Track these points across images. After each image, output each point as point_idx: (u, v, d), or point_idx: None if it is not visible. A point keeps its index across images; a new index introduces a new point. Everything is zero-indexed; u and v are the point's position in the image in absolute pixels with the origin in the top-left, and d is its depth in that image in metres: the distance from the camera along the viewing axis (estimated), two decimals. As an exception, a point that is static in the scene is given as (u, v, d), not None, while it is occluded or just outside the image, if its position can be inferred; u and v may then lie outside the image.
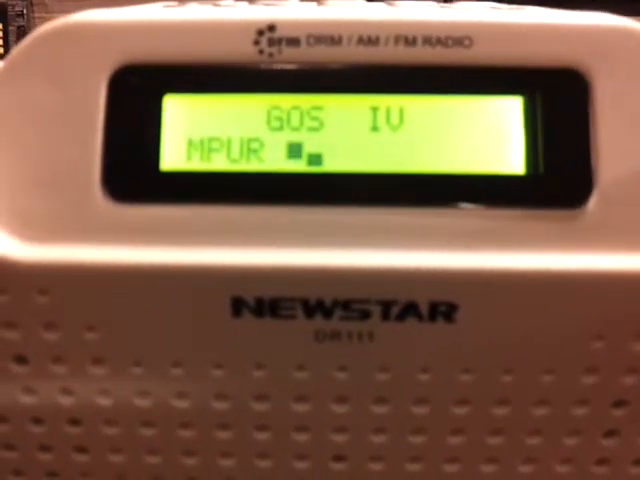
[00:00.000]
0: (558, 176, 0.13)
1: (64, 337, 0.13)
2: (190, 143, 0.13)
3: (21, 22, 0.77)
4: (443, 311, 0.12)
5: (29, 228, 0.13)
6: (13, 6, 0.77)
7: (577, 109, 0.13)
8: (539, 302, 0.13)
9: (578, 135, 0.13)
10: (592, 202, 0.13)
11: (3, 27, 0.75)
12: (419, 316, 0.13)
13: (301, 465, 0.14)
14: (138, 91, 0.13)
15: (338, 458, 0.14)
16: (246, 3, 0.18)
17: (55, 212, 0.13)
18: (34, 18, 0.82)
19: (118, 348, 0.13)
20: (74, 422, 0.14)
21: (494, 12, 0.14)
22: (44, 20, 0.92)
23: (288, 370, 0.13)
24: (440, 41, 0.13)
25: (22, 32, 0.76)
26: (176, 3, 0.17)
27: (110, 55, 0.13)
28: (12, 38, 0.75)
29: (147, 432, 0.14)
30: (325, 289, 0.12)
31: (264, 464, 0.14)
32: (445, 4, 0.18)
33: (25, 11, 0.77)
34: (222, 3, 0.17)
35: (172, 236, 0.13)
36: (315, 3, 0.18)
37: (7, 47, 0.75)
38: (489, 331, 0.13)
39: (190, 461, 0.14)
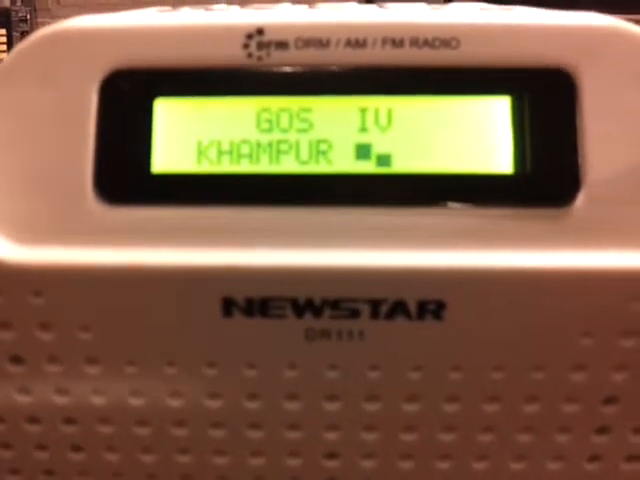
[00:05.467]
0: (545, 175, 0.13)
1: (59, 337, 0.13)
2: (181, 146, 0.13)
3: (25, 27, 0.77)
4: (431, 309, 0.13)
5: (23, 230, 0.13)
6: (17, 12, 0.77)
7: (564, 109, 0.13)
8: (527, 300, 0.13)
9: (565, 134, 0.13)
10: (579, 200, 0.13)
11: (7, 32, 0.76)
12: (408, 315, 0.13)
13: (294, 463, 0.14)
14: (129, 95, 0.13)
15: (330, 456, 0.14)
16: (238, 7, 0.18)
17: (48, 214, 0.13)
18: (37, 24, 0.83)
19: (112, 348, 0.13)
20: (69, 421, 0.14)
21: (481, 13, 0.14)
22: (47, 25, 0.93)
23: (279, 369, 0.13)
24: (427, 42, 0.13)
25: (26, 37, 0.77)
26: (170, 8, 0.17)
27: (101, 60, 0.13)
28: (16, 44, 0.76)
29: (141, 431, 0.14)
30: (314, 288, 0.13)
31: (257, 462, 0.14)
32: (438, 5, 0.18)
33: (29, 17, 0.78)
34: (215, 7, 0.17)
35: (163, 237, 0.13)
36: (306, 6, 0.18)
37: (10, 52, 0.76)
38: (478, 329, 0.13)
39: (184, 459, 0.15)
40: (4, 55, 0.76)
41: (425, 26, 0.13)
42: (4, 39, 0.76)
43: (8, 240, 0.13)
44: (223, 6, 0.17)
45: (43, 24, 0.92)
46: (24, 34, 0.77)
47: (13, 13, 0.77)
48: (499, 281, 0.13)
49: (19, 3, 0.78)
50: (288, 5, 0.18)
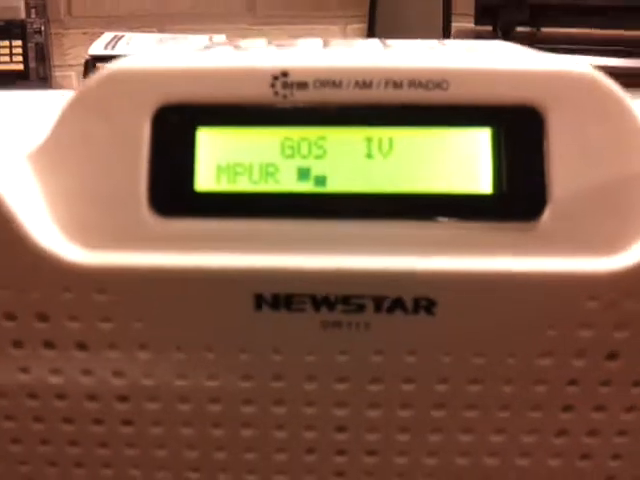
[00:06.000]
0: (519, 194, 0.16)
1: (117, 327, 0.16)
2: (219, 168, 0.16)
3: (39, 39, 0.80)
4: (424, 305, 0.15)
5: (90, 238, 0.16)
6: (32, 24, 0.80)
7: (534, 139, 0.16)
8: (503, 298, 0.15)
9: (535, 161, 0.16)
10: (546, 216, 0.16)
11: (23, 44, 0.79)
12: (405, 309, 0.15)
13: (310, 435, 0.17)
14: (176, 126, 0.16)
15: (340, 429, 0.17)
16: (265, 42, 0.21)
17: (111, 225, 0.16)
18: (51, 34, 0.86)
19: (161, 336, 0.16)
20: (123, 399, 0.17)
21: (468, 57, 0.17)
22: (60, 35, 0.96)
23: (299, 354, 0.16)
24: (422, 84, 0.16)
25: (40, 48, 0.80)
26: (203, 47, 0.20)
27: (153, 96, 0.16)
28: (31, 54, 0.79)
29: (183, 407, 0.17)
30: (329, 287, 0.15)
31: (280, 435, 0.17)
32: (436, 42, 0.21)
33: (43, 28, 0.81)
34: (242, 45, 0.20)
35: (205, 244, 0.16)
36: (321, 42, 0.21)
37: (26, 63, 0.79)
38: (463, 322, 0.16)
39: (218, 432, 0.17)
40: (21, 65, 0.79)
41: (420, 70, 0.16)
42: (20, 50, 0.79)
43: (78, 246, 0.16)
44: (250, 43, 0.20)
45: (57, 34, 0.95)
46: (39, 45, 0.80)
47: (28, 25, 0.80)
48: (480, 282, 0.15)
49: (34, 15, 0.81)
50: (306, 42, 0.21)
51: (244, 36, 1.04)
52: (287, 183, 0.16)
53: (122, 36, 0.78)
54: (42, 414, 0.17)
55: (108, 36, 0.77)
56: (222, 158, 0.16)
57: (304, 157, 0.16)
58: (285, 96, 0.16)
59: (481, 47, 0.19)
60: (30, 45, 0.79)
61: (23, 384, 0.17)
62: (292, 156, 0.16)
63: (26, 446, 0.18)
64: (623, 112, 0.16)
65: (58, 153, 0.16)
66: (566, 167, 0.16)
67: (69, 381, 0.17)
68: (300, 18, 0.94)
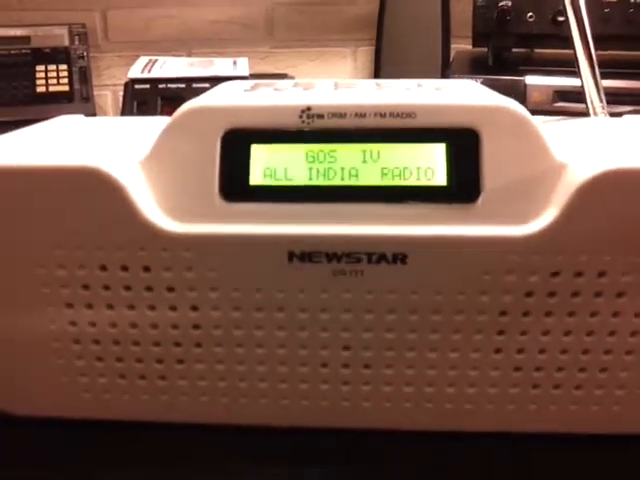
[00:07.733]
0: (464, 185, 0.24)
1: (196, 275, 0.24)
2: (265, 169, 0.24)
3: (82, 63, 0.90)
4: (400, 258, 0.23)
5: (181, 215, 0.24)
6: (75, 50, 0.90)
7: (473, 150, 0.24)
8: (453, 253, 0.23)
9: (474, 164, 0.24)
10: (480, 200, 0.23)
11: (68, 68, 0.89)
12: (387, 261, 0.23)
13: (324, 353, 0.25)
14: (236, 143, 0.24)
15: (345, 348, 0.25)
16: (292, 82, 0.29)
17: (194, 206, 0.24)
18: (91, 57, 0.96)
19: (227, 282, 0.24)
20: (196, 327, 0.25)
21: (431, 95, 0.25)
22: (97, 58, 1.06)
23: (317, 293, 0.24)
24: (399, 114, 0.24)
25: (83, 72, 0.90)
26: (250, 87, 0.28)
27: (222, 124, 0.24)
28: (75, 77, 0.89)
29: (237, 332, 0.25)
30: (337, 247, 0.23)
31: (304, 352, 0.25)
32: (430, 80, 0.29)
33: (85, 54, 0.91)
34: (278, 87, 0.28)
35: (255, 219, 0.24)
36: (333, 85, 0.29)
37: (71, 85, 0.89)
38: (427, 270, 0.23)
39: (260, 350, 0.25)
40: (66, 87, 0.89)
41: (398, 105, 0.24)
42: (65, 73, 0.88)
43: (172, 220, 0.24)
44: (282, 85, 0.28)
45: (93, 58, 1.05)
46: (82, 69, 0.90)
47: (72, 51, 0.90)
48: (438, 243, 0.23)
49: (77, 42, 0.91)
50: (323, 83, 0.29)
51: (264, 59, 1.13)
52: (310, 180, 0.24)
53: (156, 60, 0.87)
54: (138, 339, 0.25)
55: (143, 60, 0.87)
56: (268, 164, 0.24)
57: (321, 163, 0.24)
58: (309, 123, 0.24)
59: (447, 86, 0.27)
60: (74, 69, 0.89)
61: (127, 317, 0.25)
62: (313, 162, 0.24)
63: (125, 362, 0.26)
64: (532, 132, 0.24)
65: (159, 160, 0.24)
66: (494, 168, 0.23)
67: (160, 315, 0.25)
68: (315, 42, 1.03)
